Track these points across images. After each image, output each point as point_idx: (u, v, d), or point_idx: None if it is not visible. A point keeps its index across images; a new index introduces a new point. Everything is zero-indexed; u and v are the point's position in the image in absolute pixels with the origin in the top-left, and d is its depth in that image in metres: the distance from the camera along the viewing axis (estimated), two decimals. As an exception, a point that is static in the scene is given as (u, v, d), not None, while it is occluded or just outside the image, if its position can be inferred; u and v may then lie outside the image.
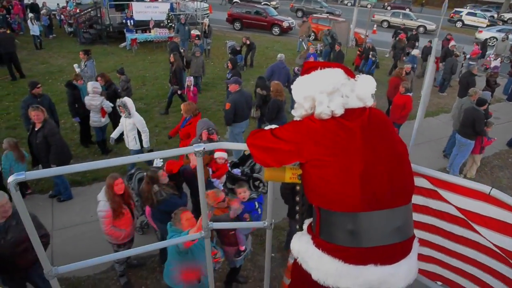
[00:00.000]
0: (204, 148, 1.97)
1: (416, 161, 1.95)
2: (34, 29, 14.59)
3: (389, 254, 1.64)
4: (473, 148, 7.35)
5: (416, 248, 1.77)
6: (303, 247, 1.80)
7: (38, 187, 6.30)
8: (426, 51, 13.14)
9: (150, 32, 15.16)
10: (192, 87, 8.86)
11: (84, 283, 4.58)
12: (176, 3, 16.90)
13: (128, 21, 14.69)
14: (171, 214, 3.63)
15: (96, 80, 7.38)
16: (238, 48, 12.77)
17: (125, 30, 15.03)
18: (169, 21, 15.24)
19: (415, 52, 12.15)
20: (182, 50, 10.52)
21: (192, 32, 14.37)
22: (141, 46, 15.34)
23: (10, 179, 1.53)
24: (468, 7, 34.33)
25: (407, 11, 29.01)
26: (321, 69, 1.80)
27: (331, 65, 1.84)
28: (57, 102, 9.55)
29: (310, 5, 27.87)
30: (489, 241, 1.81)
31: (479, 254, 1.96)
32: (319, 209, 1.72)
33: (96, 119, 6.94)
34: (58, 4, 20.56)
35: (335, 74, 1.77)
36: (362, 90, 1.74)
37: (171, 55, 9.22)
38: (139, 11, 15.24)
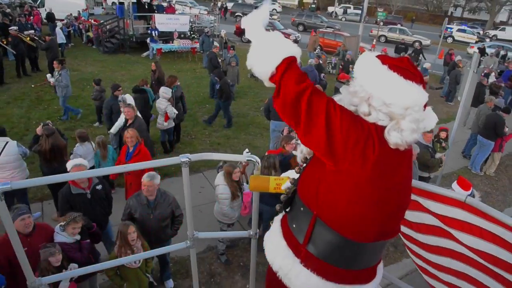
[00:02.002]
0: (189, 159, 1.98)
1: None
2: (61, 37, 15.14)
3: (370, 274, 1.68)
4: (493, 147, 8.37)
5: (381, 264, 1.81)
6: (287, 263, 1.64)
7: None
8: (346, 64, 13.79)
9: (172, 42, 15.89)
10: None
11: (187, 261, 5.22)
12: (195, 15, 17.72)
13: (153, 32, 15.37)
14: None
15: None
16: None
17: (149, 40, 15.70)
18: (191, 32, 16.01)
19: (427, 65, 13.25)
20: (220, 60, 11.27)
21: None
22: (163, 55, 16.04)
23: None
24: (455, 24, 36.32)
25: (398, 26, 30.62)
26: (416, 82, 1.43)
27: (420, 79, 1.48)
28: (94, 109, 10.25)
29: (311, 20, 29.22)
30: (465, 244, 1.86)
31: (453, 261, 2.01)
32: (317, 219, 1.55)
33: (160, 122, 7.60)
34: (71, 14, 21.12)
35: (423, 99, 1.45)
36: (429, 125, 1.55)
37: (153, 63, 9.55)
38: (161, 23, 15.96)
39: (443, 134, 6.59)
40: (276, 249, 1.71)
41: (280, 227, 1.76)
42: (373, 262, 1.67)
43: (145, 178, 3.92)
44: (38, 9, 22.13)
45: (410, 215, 2.06)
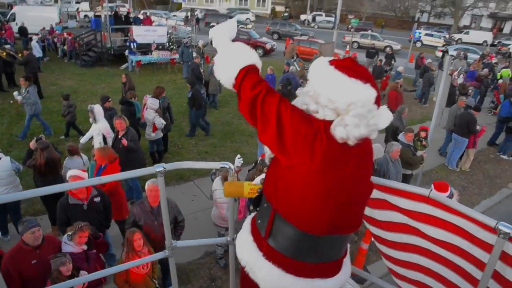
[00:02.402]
0: (164, 168, 2.04)
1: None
2: (38, 51, 14.92)
3: (332, 268, 1.74)
4: (467, 144, 8.88)
5: (347, 260, 1.87)
6: (252, 257, 1.74)
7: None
8: (377, 70, 14.55)
9: (150, 54, 15.93)
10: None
11: (187, 268, 5.32)
12: (172, 27, 17.83)
13: (131, 44, 15.37)
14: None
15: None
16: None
17: (127, 52, 15.67)
18: (170, 43, 16.10)
19: (400, 68, 13.87)
20: (201, 70, 11.43)
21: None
22: (143, 67, 16.04)
23: None
24: (422, 28, 37.88)
25: (369, 32, 31.67)
26: (359, 79, 1.52)
27: (367, 77, 1.56)
28: (83, 121, 10.21)
29: (285, 28, 29.85)
30: (430, 237, 1.95)
31: (421, 258, 2.09)
32: (276, 213, 1.65)
33: (148, 132, 7.68)
34: (44, 27, 20.76)
35: (370, 96, 1.54)
36: (382, 123, 1.61)
37: (123, 75, 9.51)
38: (139, 34, 15.98)
39: (423, 134, 6.99)
40: (243, 244, 1.80)
41: (249, 225, 1.85)
42: (333, 256, 1.72)
43: (149, 183, 4.05)
44: (8, 23, 21.67)
45: (379, 214, 2.14)
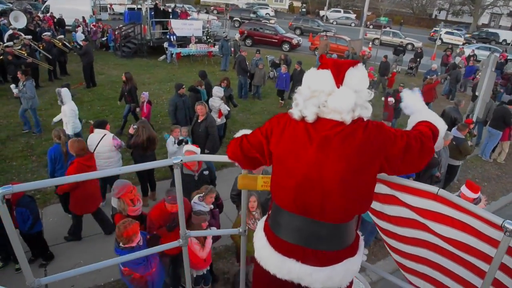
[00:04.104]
0: (181, 160, 2.13)
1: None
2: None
3: (311, 256, 1.78)
4: (502, 137, 9.52)
5: (350, 263, 1.86)
6: (257, 232, 2.04)
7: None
8: (383, 66, 14.79)
9: (188, 46, 16.70)
10: (145, 103, 8.32)
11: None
12: (207, 21, 18.57)
13: (171, 37, 16.14)
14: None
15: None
16: (277, 61, 14.59)
17: (167, 44, 16.44)
18: (208, 37, 16.85)
19: (434, 66, 14.55)
20: (247, 63, 12.15)
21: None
22: (180, 60, 16.81)
23: None
24: (440, 26, 38.12)
25: (388, 29, 32.04)
26: (319, 68, 1.80)
27: (333, 65, 1.75)
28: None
29: (308, 24, 30.38)
30: (438, 234, 1.98)
31: (429, 252, 2.13)
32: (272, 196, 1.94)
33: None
34: (79, 19, 21.58)
35: (323, 79, 1.74)
36: (333, 103, 1.69)
37: (124, 74, 9.24)
38: (177, 28, 16.73)
39: (471, 126, 7.69)
40: (260, 222, 2.11)
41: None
42: (314, 243, 1.79)
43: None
44: (45, 15, 22.54)
45: (389, 209, 2.19)
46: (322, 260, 1.78)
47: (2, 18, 17.45)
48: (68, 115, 7.29)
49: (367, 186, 1.77)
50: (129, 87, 9.00)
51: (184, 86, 7.98)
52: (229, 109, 8.31)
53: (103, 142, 5.98)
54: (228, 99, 8.69)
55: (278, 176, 1.82)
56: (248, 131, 2.08)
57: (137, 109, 9.08)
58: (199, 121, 6.92)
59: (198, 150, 5.18)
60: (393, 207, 2.14)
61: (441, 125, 1.93)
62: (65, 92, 7.24)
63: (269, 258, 1.86)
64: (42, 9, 24.68)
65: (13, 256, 5.06)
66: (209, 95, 8.54)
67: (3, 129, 9.27)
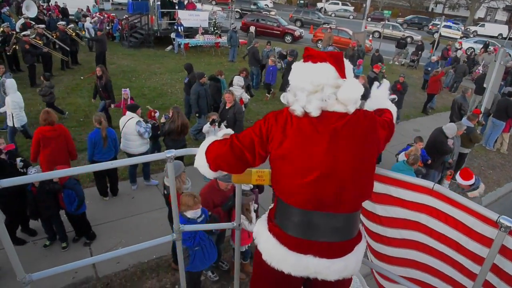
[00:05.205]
0: (174, 154, 2.11)
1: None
2: (91, 32, 15.86)
3: (327, 249, 1.79)
4: (504, 128, 9.99)
5: (359, 249, 1.90)
6: (259, 229, 1.97)
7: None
8: (375, 59, 14.93)
9: (195, 37, 16.89)
10: (129, 99, 7.97)
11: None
12: (213, 12, 18.74)
13: (179, 27, 16.31)
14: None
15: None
16: (284, 53, 14.88)
17: (174, 35, 16.62)
18: (215, 28, 17.05)
19: (434, 58, 14.97)
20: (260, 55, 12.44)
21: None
22: (187, 50, 17.02)
23: None
24: (436, 20, 38.56)
25: (386, 22, 32.36)
26: (315, 61, 1.76)
27: (330, 57, 1.76)
28: (157, 96, 11.29)
29: (308, 16, 30.55)
30: (431, 228, 1.98)
31: (419, 253, 2.12)
32: (277, 196, 1.88)
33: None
34: (82, 9, 21.56)
35: (325, 72, 1.73)
36: (345, 95, 1.71)
37: (98, 67, 8.65)
38: (184, 18, 16.91)
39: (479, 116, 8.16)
40: (259, 221, 2.05)
41: (267, 211, 2.08)
42: (328, 236, 1.79)
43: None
44: (49, 4, 22.45)
45: (381, 209, 2.16)
46: (337, 251, 1.81)
47: (7, 7, 17.46)
48: (11, 107, 7.09)
49: (372, 171, 1.85)
50: (105, 82, 8.50)
51: (205, 75, 8.27)
52: (249, 97, 8.63)
53: (128, 124, 6.34)
54: (246, 88, 9.00)
55: (289, 176, 1.76)
56: (229, 132, 2.03)
57: (112, 105, 8.59)
58: (226, 107, 7.23)
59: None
60: (385, 207, 2.13)
61: (395, 114, 2.10)
62: (9, 83, 7.04)
63: (284, 258, 1.81)
64: (43, -1, 24.53)
65: (59, 236, 5.39)
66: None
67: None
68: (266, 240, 1.89)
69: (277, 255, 1.82)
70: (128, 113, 6.40)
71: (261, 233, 1.94)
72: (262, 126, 1.80)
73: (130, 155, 6.32)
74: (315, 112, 1.69)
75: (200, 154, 1.96)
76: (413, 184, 1.97)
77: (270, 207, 2.06)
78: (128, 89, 8.38)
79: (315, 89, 1.71)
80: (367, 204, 2.20)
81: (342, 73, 1.74)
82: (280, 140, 1.74)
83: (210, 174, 1.95)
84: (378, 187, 2.08)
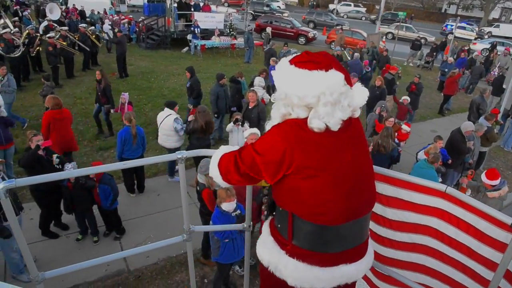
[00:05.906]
0: (185, 156, 2.07)
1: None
2: (110, 34, 16.18)
3: (355, 254, 1.81)
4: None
5: (370, 246, 1.94)
6: (274, 257, 1.82)
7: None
8: (383, 60, 14.87)
9: (211, 39, 17.13)
10: (126, 104, 7.76)
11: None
12: (228, 14, 18.98)
13: (196, 29, 16.56)
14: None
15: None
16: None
17: (191, 36, 16.88)
18: (231, 30, 17.28)
19: (450, 60, 14.94)
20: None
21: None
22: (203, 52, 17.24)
23: (0, 186, 1.58)
24: (450, 21, 38.28)
25: (399, 23, 32.23)
26: (321, 69, 1.59)
27: (328, 64, 1.62)
28: (177, 96, 11.50)
29: (321, 18, 30.65)
30: (442, 232, 1.94)
31: (429, 258, 2.08)
32: (293, 216, 1.73)
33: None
34: (98, 12, 21.96)
35: (338, 80, 1.61)
36: (358, 101, 1.69)
37: (97, 71, 8.46)
38: (200, 20, 17.15)
39: (498, 116, 8.19)
40: (264, 245, 1.90)
41: (268, 228, 1.95)
42: (357, 241, 1.80)
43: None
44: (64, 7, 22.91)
45: (391, 213, 2.11)
46: (361, 252, 1.85)
47: (28, 10, 17.95)
48: None
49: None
50: (103, 86, 8.22)
51: (225, 77, 8.45)
52: (270, 97, 8.76)
53: (166, 121, 6.71)
54: (267, 89, 9.16)
55: (320, 193, 1.64)
56: (229, 148, 1.93)
57: (112, 111, 8.34)
58: (250, 107, 7.40)
59: (259, 132, 5.58)
60: (395, 210, 2.08)
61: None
62: None
63: (317, 277, 1.73)
64: (60, 1, 25.02)
65: (91, 230, 5.61)
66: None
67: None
68: (291, 266, 1.75)
69: (310, 277, 1.73)
70: (166, 109, 6.80)
71: (277, 260, 1.80)
72: (274, 148, 1.64)
73: (169, 150, 6.82)
74: (336, 126, 1.60)
75: (213, 165, 1.91)
76: (425, 186, 1.93)
77: (266, 230, 1.96)
78: (127, 93, 8.11)
79: (335, 101, 1.59)
80: (377, 208, 2.11)
81: (349, 80, 1.68)
82: (302, 159, 1.61)
83: (225, 185, 1.93)
84: (389, 189, 2.05)
